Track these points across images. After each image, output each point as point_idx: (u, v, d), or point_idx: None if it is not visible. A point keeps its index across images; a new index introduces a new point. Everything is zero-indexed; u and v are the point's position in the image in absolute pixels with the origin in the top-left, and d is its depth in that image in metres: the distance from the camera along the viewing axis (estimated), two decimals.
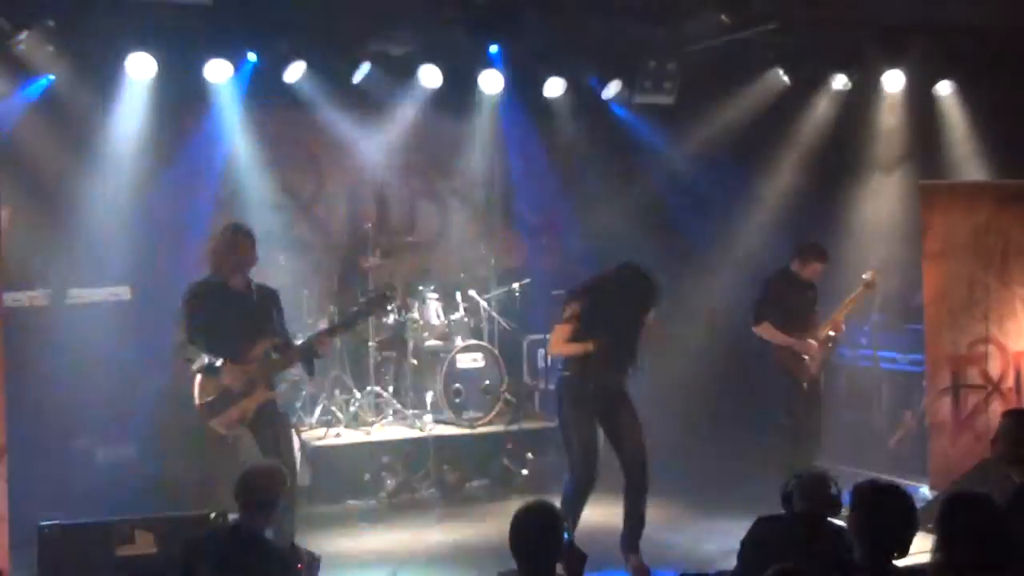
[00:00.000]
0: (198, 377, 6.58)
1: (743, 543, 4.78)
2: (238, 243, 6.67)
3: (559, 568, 4.19)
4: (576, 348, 6.58)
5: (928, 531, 4.03)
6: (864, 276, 8.12)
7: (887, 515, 4.01)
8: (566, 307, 6.64)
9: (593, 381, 6.62)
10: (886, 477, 7.73)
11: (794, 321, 7.88)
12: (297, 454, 8.42)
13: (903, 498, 4.07)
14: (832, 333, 8.02)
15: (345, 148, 10.03)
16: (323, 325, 9.10)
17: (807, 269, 7.98)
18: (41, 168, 8.65)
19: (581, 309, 6.57)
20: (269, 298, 6.77)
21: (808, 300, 8.02)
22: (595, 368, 6.61)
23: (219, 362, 6.48)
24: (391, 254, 9.66)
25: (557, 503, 5.47)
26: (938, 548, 3.90)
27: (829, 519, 4.80)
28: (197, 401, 6.61)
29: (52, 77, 8.44)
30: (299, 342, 7.02)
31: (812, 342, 7.86)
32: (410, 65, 9.42)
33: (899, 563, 4.04)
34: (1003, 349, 8.03)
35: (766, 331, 7.86)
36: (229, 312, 6.59)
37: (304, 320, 8.94)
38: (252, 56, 8.91)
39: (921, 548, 4.05)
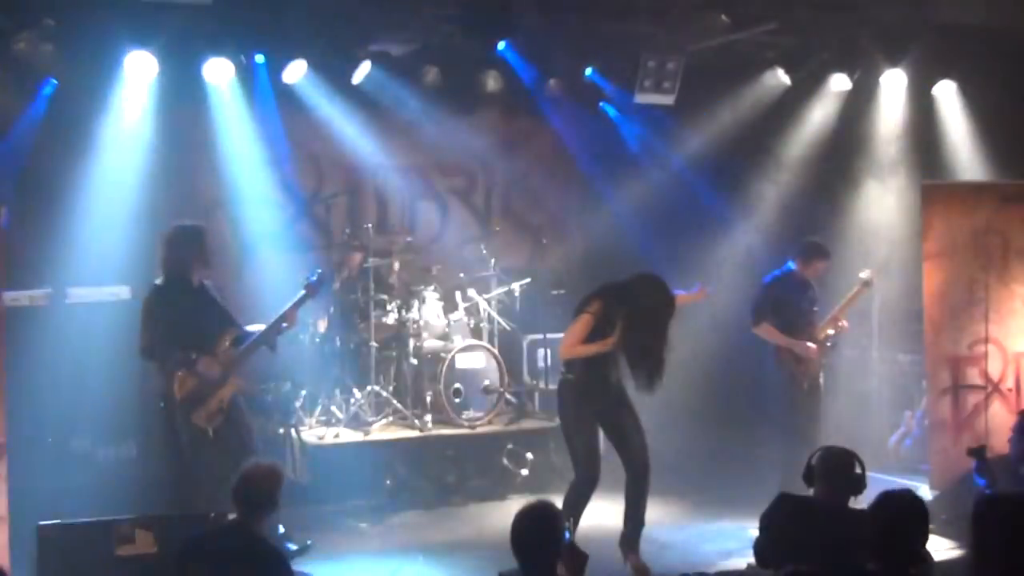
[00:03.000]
0: (178, 372, 6.72)
1: (765, 517, 4.79)
2: (202, 241, 6.92)
3: (560, 568, 4.19)
4: (590, 349, 6.52)
5: (930, 531, 4.03)
6: (861, 275, 8.12)
7: (909, 525, 3.99)
8: (587, 304, 6.57)
9: (595, 383, 6.61)
10: (885, 477, 7.83)
11: (795, 321, 7.88)
12: (297, 454, 8.45)
13: (922, 507, 4.04)
14: (832, 331, 8.02)
15: (345, 147, 10.03)
16: (322, 324, 9.14)
17: (810, 268, 7.97)
18: (41, 167, 8.66)
19: (600, 309, 6.55)
20: (218, 292, 7.09)
21: (808, 300, 8.02)
22: (597, 370, 6.61)
23: (194, 355, 6.72)
24: (391, 254, 9.65)
25: (558, 503, 5.47)
26: (973, 548, 3.87)
27: (851, 503, 4.80)
28: (178, 397, 6.74)
29: (55, 81, 8.45)
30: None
31: (811, 345, 7.86)
32: (410, 65, 9.42)
33: None
34: (1003, 349, 8.03)
35: (766, 332, 7.86)
36: (196, 308, 6.86)
37: (304, 319, 8.93)
38: (257, 57, 8.91)
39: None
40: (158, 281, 6.94)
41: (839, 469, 4.84)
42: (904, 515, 3.99)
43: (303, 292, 7.06)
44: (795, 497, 4.93)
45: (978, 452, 6.06)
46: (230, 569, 4.65)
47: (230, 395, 6.84)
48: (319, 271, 7.25)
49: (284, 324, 7.03)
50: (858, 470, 4.83)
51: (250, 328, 7.17)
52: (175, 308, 6.78)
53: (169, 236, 6.98)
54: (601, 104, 10.27)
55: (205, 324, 6.85)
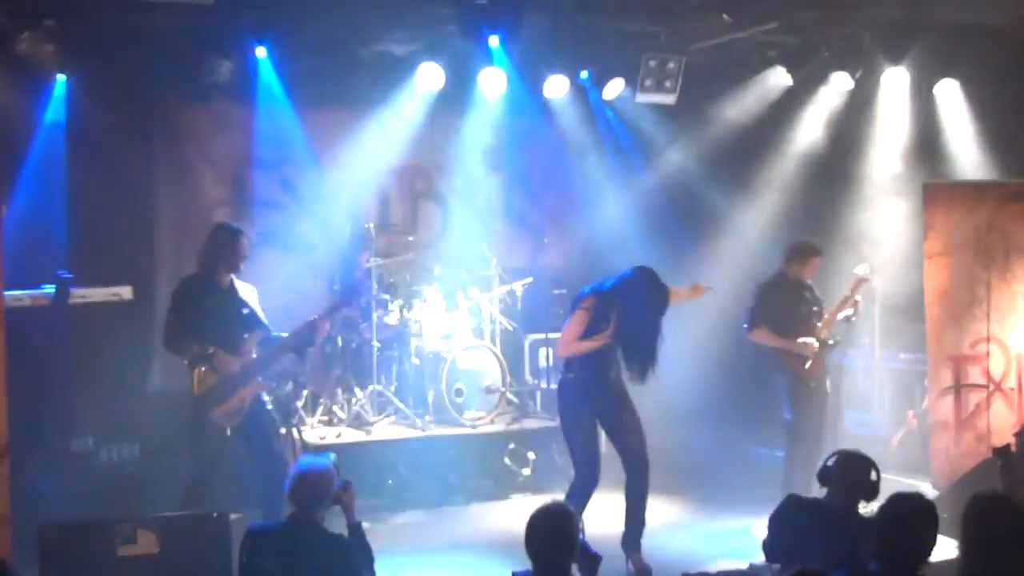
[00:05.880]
0: (198, 368, 6.68)
1: (773, 517, 4.80)
2: (236, 243, 6.85)
3: (574, 569, 4.20)
4: (586, 345, 6.56)
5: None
6: (857, 271, 8.07)
7: (918, 527, 3.98)
8: (582, 300, 6.62)
9: (594, 382, 6.62)
10: (887, 476, 7.81)
11: (794, 323, 7.83)
12: (299, 453, 8.44)
13: (931, 510, 4.04)
14: (843, 315, 7.93)
15: (346, 147, 10.02)
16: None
17: (804, 268, 7.94)
18: (42, 166, 8.66)
19: (593, 305, 6.56)
20: (250, 294, 6.99)
21: (806, 301, 7.96)
22: (597, 369, 6.61)
23: (211, 349, 6.64)
24: (392, 254, 9.65)
25: None
26: (963, 548, 3.87)
27: (860, 510, 4.81)
28: (196, 391, 6.70)
29: (64, 78, 8.47)
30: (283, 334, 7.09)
31: (809, 341, 7.82)
32: (412, 64, 9.42)
33: None
34: (1005, 348, 8.02)
35: (761, 336, 7.84)
36: (222, 307, 6.80)
37: (305, 319, 8.92)
38: (259, 51, 8.89)
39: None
40: (189, 275, 6.95)
41: (856, 475, 4.85)
42: (914, 517, 3.99)
43: (335, 301, 7.06)
44: (803, 499, 4.93)
45: (1003, 452, 6.00)
46: (303, 559, 4.68)
47: (252, 396, 6.79)
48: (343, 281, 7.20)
49: (316, 333, 6.98)
50: (874, 476, 4.84)
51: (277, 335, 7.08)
52: (198, 303, 6.75)
53: (208, 234, 7.02)
54: (602, 103, 10.25)
55: (229, 324, 6.79)
